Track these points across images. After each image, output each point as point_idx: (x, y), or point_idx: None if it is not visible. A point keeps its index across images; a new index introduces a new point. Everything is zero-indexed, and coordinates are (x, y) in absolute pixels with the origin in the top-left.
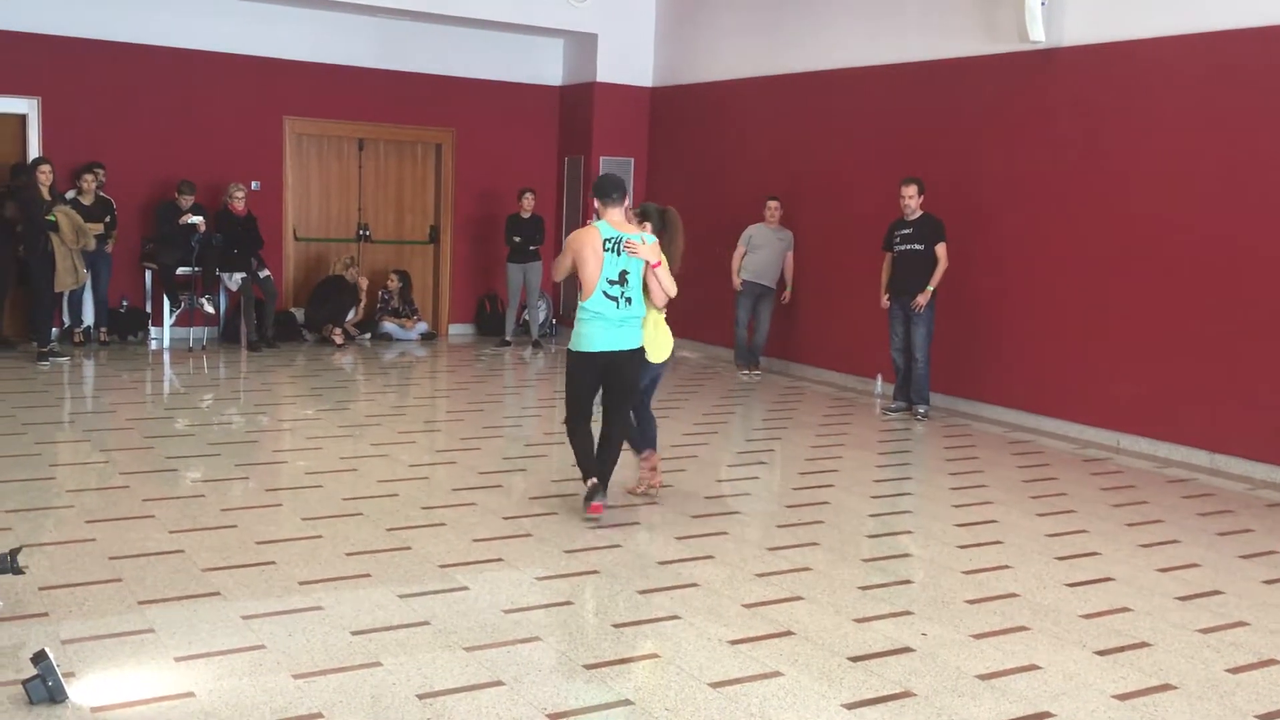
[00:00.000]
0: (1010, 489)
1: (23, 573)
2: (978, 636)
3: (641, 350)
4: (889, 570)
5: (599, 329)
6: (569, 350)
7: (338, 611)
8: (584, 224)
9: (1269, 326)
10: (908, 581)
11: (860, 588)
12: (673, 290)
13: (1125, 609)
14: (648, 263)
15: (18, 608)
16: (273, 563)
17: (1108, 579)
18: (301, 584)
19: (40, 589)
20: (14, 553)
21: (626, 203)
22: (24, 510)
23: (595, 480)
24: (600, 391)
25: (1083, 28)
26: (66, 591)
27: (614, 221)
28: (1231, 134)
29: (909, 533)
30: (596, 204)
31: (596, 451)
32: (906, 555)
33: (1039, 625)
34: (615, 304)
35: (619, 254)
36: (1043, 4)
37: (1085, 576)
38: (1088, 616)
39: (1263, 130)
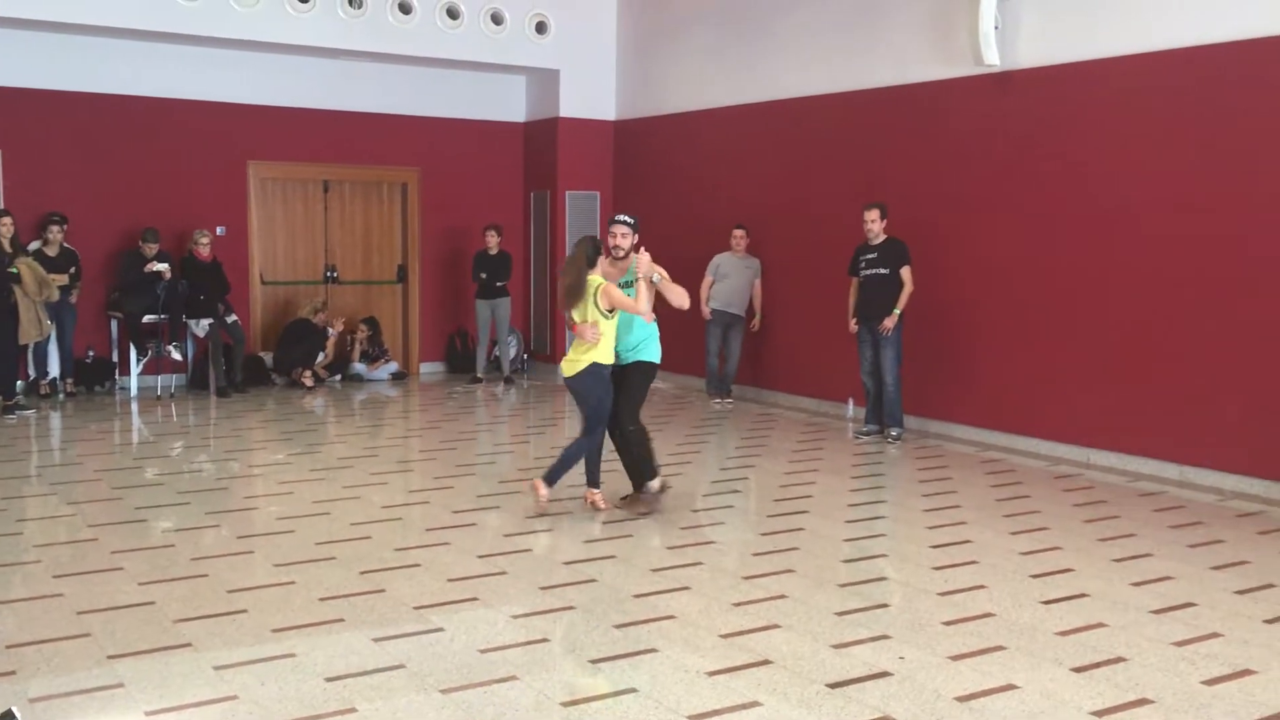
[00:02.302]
0: (983, 508)
1: None
2: (955, 658)
3: None
4: (865, 595)
5: None
6: (653, 363)
7: (311, 658)
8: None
9: (1234, 338)
10: (884, 605)
11: (837, 613)
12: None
13: (1100, 624)
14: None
15: None
16: (244, 611)
17: (1082, 595)
18: (274, 631)
19: (7, 647)
20: None
21: None
22: None
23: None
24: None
25: (1035, 50)
26: (34, 649)
27: None
28: (1185, 149)
29: (884, 556)
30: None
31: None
32: (883, 579)
33: (1015, 644)
34: None
35: None
36: (996, 28)
37: (1060, 593)
38: (1063, 634)
39: (1217, 144)
